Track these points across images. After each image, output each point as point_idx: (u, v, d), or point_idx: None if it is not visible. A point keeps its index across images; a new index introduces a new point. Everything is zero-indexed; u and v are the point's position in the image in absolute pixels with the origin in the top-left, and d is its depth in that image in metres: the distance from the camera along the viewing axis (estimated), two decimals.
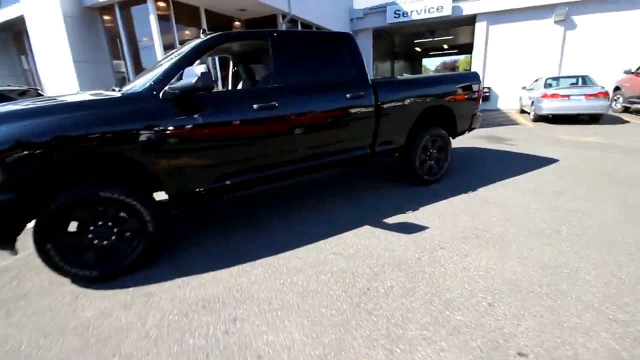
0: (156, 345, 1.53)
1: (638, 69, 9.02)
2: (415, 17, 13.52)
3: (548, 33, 11.90)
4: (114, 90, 2.61)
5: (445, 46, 23.32)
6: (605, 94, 7.87)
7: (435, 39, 19.06)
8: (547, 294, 1.79)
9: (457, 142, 4.63)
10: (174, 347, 1.51)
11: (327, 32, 3.45)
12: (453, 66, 39.99)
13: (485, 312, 1.67)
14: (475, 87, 3.99)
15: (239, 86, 3.66)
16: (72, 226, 1.99)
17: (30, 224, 1.91)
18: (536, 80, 10.05)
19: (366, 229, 2.68)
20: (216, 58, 8.16)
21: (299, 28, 10.85)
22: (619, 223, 2.61)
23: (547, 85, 8.89)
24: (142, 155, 2.06)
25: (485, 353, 1.41)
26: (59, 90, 7.72)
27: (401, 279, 1.98)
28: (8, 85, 8.08)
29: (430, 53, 27.45)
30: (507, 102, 12.96)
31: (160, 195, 2.31)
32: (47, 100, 2.36)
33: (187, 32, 8.37)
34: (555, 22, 11.66)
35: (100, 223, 2.03)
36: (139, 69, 7.93)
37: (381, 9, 14.18)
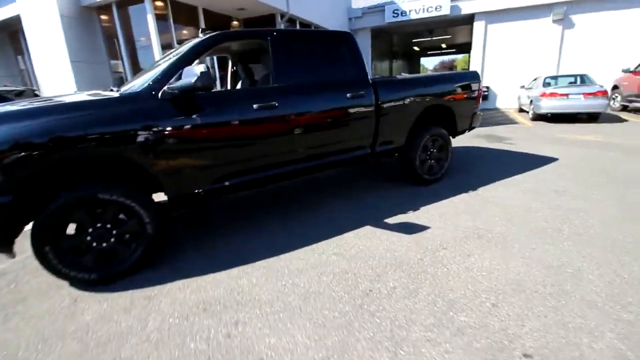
0: (157, 349, 1.51)
1: (636, 67, 9.05)
2: (413, 16, 13.52)
3: (546, 32, 11.92)
4: (112, 90, 2.58)
5: (444, 45, 23.35)
6: (604, 92, 7.90)
7: (434, 38, 19.08)
8: (551, 294, 1.78)
9: (456, 142, 4.62)
10: (175, 352, 1.49)
11: (327, 31, 3.42)
12: (451, 65, 40.06)
13: (489, 312, 1.66)
14: (474, 86, 3.99)
15: (238, 86, 3.63)
16: (71, 229, 1.96)
17: (28, 227, 1.88)
18: (535, 79, 10.07)
19: (367, 229, 2.66)
20: (215, 58, 8.12)
21: (298, 27, 10.82)
22: (618, 222, 2.61)
23: (546, 84, 8.91)
24: (140, 155, 2.04)
25: (491, 355, 1.40)
26: (56, 90, 7.66)
27: (404, 279, 1.97)
28: (5, 86, 8.04)
29: (429, 52, 27.48)
30: (505, 101, 12.98)
31: (159, 197, 2.29)
32: (45, 100, 2.33)
33: (185, 31, 8.34)
34: (554, 21, 11.68)
35: (99, 225, 2.00)
36: (136, 69, 7.88)
37: (380, 8, 14.16)
